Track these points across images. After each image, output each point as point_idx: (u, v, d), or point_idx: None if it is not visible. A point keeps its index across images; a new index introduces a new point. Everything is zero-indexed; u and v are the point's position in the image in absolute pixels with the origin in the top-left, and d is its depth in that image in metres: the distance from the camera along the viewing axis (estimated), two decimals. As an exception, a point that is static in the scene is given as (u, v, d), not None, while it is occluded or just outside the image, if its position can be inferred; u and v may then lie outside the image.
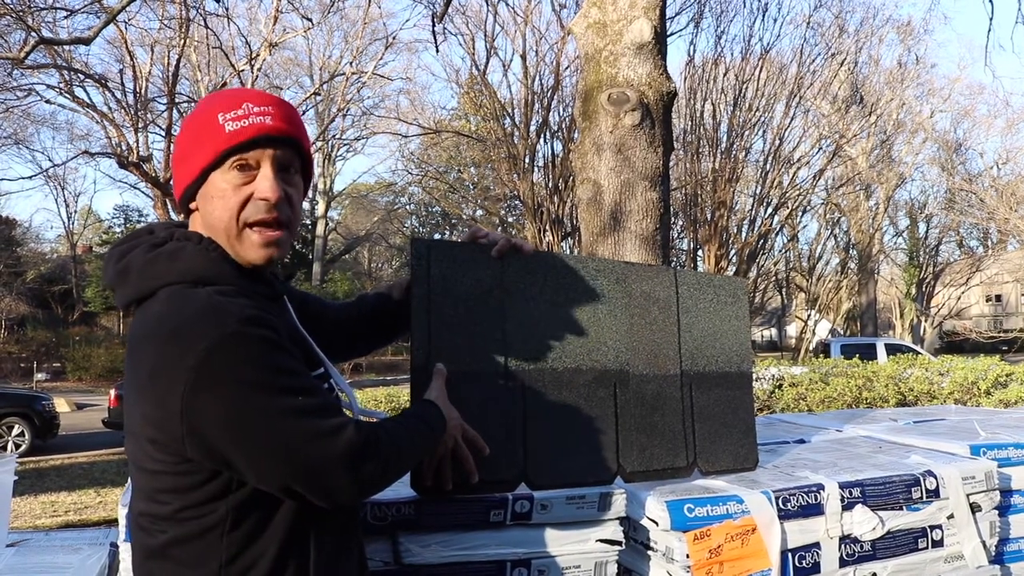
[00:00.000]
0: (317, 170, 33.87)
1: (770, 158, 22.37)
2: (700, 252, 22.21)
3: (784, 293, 40.23)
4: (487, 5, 22.56)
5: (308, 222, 41.19)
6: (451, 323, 2.01)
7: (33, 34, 13.16)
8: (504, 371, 2.08)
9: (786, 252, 33.18)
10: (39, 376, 29.02)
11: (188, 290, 1.40)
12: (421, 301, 1.98)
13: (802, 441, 3.05)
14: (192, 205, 1.53)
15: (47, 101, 24.41)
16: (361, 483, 1.42)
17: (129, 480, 2.08)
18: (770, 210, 23.13)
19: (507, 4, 22.45)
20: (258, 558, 1.40)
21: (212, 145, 1.45)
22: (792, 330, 45.04)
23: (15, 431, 13.89)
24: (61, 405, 19.14)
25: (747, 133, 21.56)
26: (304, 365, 1.47)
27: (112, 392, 14.81)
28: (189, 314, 1.34)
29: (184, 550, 1.39)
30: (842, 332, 35.76)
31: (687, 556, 2.05)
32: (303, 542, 1.45)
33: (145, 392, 1.35)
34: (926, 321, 36.09)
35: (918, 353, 14.72)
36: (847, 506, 2.30)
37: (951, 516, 2.48)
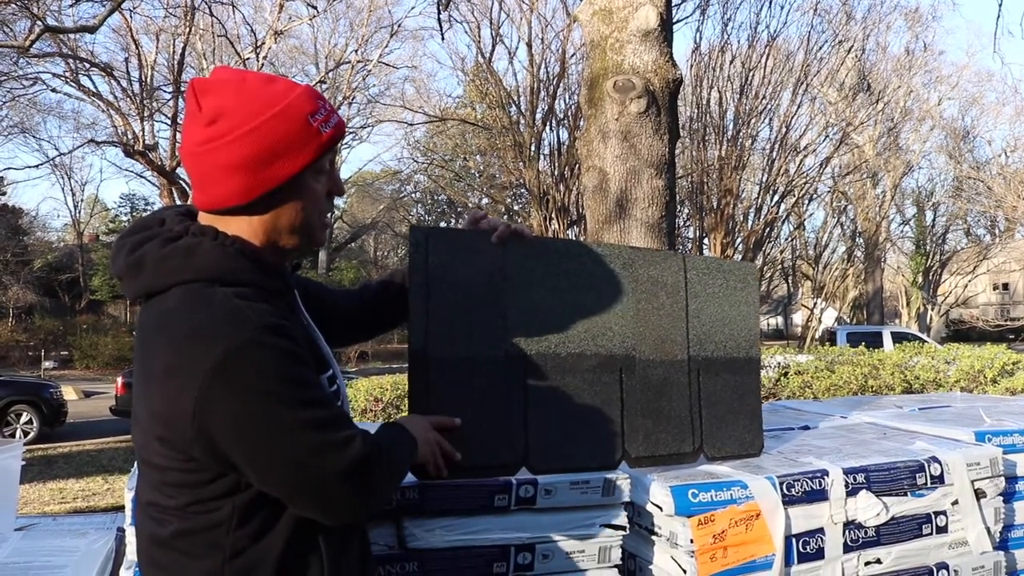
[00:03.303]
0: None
1: (776, 146, 22.26)
2: (706, 240, 22.14)
3: (790, 281, 40.18)
4: (492, -8, 22.47)
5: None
6: (449, 309, 2.03)
7: (38, 22, 13.17)
8: (505, 356, 2.08)
9: (792, 240, 33.10)
10: (47, 364, 29.13)
11: (205, 289, 1.39)
12: (419, 288, 2.00)
13: (807, 427, 3.05)
14: (246, 205, 1.47)
15: (53, 90, 24.49)
16: (364, 498, 1.45)
17: (135, 466, 2.09)
18: (776, 198, 23.01)
19: (512, -9, 22.36)
20: (263, 555, 1.41)
21: (309, 148, 1.46)
22: (798, 318, 44.93)
23: (23, 419, 13.95)
24: (69, 393, 19.21)
25: (753, 121, 21.44)
26: (317, 373, 1.49)
27: (119, 380, 14.83)
28: (208, 316, 1.34)
29: (189, 542, 1.40)
30: (848, 320, 35.70)
31: (691, 541, 2.06)
32: (309, 540, 1.46)
33: (157, 390, 1.35)
34: (932, 309, 36.01)
35: (924, 341, 14.68)
36: (851, 492, 2.31)
37: (955, 502, 2.48)
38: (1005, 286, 51.17)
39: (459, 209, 38.76)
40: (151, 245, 1.45)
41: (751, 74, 20.96)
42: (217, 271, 1.42)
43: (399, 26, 26.62)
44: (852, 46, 24.78)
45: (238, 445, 1.32)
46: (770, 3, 22.72)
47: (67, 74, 21.67)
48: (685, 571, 2.07)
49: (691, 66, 21.08)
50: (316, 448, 1.35)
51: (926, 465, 2.44)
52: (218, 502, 1.38)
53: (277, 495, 1.39)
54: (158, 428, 1.36)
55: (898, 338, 18.69)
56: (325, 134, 1.47)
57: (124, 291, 1.51)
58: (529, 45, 21.88)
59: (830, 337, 21.60)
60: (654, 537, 2.18)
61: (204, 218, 1.51)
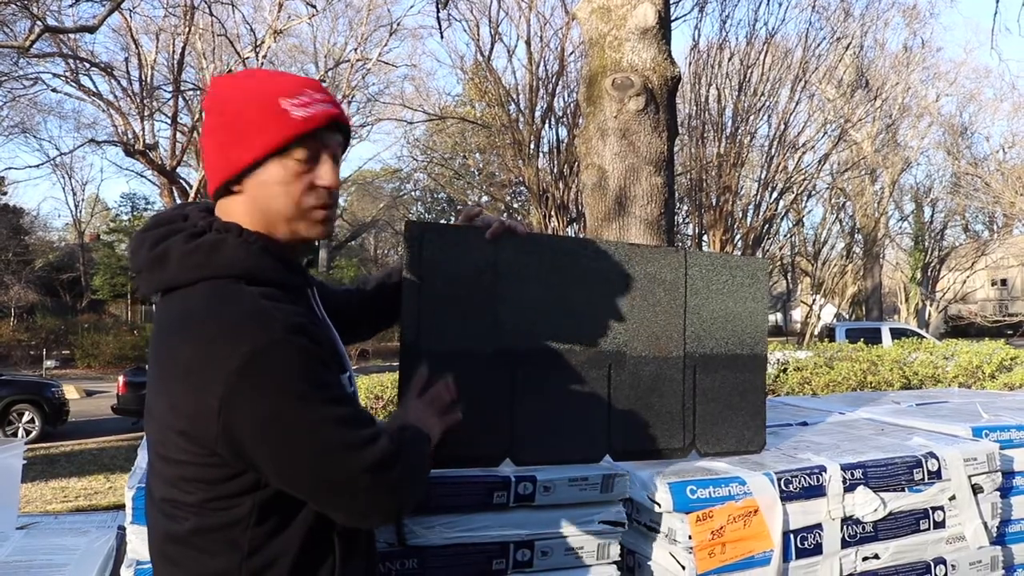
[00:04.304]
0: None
1: (775, 143, 22.25)
2: (705, 237, 22.14)
3: (789, 278, 40.16)
4: (491, -10, 22.46)
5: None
6: (442, 303, 2.05)
7: (38, 22, 13.17)
8: (494, 351, 2.10)
9: (791, 237, 33.08)
10: (48, 363, 29.09)
11: (232, 287, 1.40)
12: (412, 282, 2.02)
13: (805, 424, 3.06)
14: (235, 188, 1.49)
15: (53, 90, 24.48)
16: (392, 496, 1.44)
17: (136, 463, 2.10)
18: (775, 195, 23.00)
19: (511, -11, 22.35)
20: (279, 553, 1.41)
21: (279, 130, 1.43)
22: (797, 314, 44.91)
23: (25, 418, 13.97)
24: (70, 392, 19.21)
25: (752, 118, 21.43)
26: (336, 372, 1.49)
27: (121, 379, 14.82)
28: (234, 315, 1.35)
29: (207, 540, 1.40)
30: (847, 316, 35.69)
31: (689, 537, 2.07)
32: (323, 537, 1.46)
33: (181, 385, 1.35)
34: (931, 305, 36.03)
35: (923, 337, 14.70)
36: (849, 488, 2.32)
37: (953, 497, 2.49)
38: (1003, 282, 51.18)
39: (459, 207, 38.75)
40: (175, 240, 1.46)
41: (749, 71, 20.96)
42: (241, 268, 1.43)
43: (398, 24, 26.65)
44: (850, 43, 24.76)
45: (263, 444, 1.33)
46: (768, 0, 22.66)
47: (67, 74, 21.66)
48: (684, 567, 2.09)
49: (690, 64, 21.08)
50: (341, 447, 1.36)
51: (923, 461, 2.45)
52: (237, 499, 1.39)
53: (301, 496, 1.40)
54: (180, 423, 1.36)
55: (897, 334, 18.75)
56: (297, 118, 1.44)
57: (142, 285, 1.50)
58: (528, 43, 21.88)
59: (829, 333, 21.66)
60: (653, 533, 2.19)
61: (217, 209, 1.54)
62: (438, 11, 10.36)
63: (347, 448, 1.36)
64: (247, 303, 1.37)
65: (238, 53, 21.03)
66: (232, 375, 1.29)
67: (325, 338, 1.50)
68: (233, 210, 1.51)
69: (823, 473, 2.29)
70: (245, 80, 1.50)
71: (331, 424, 1.36)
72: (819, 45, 22.52)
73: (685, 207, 23.18)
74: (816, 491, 2.27)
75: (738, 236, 22.10)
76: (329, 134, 1.50)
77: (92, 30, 13.21)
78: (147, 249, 1.48)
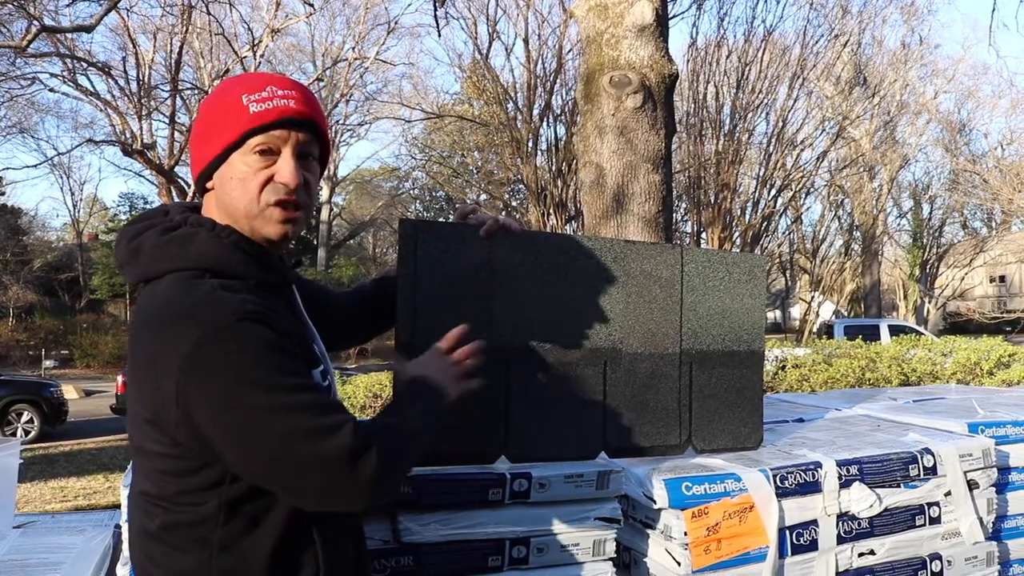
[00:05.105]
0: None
1: (773, 140, 22.28)
2: (704, 234, 22.16)
3: (788, 275, 40.22)
4: (489, -12, 22.47)
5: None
6: (437, 302, 2.05)
7: (35, 22, 13.16)
8: (490, 349, 2.10)
9: (790, 234, 33.08)
10: (47, 363, 29.08)
11: (195, 279, 1.41)
12: (407, 280, 2.02)
13: (801, 420, 3.06)
14: (208, 185, 1.54)
15: (51, 90, 24.42)
16: (367, 483, 1.36)
17: (132, 462, 2.10)
18: (774, 192, 23.04)
19: (509, -13, 22.36)
20: (254, 552, 1.41)
21: (236, 126, 1.46)
22: (796, 312, 45.01)
23: (24, 418, 13.97)
24: (69, 392, 19.20)
25: (750, 115, 21.46)
26: (303, 363, 1.47)
27: (119, 379, 14.83)
28: (190, 303, 1.36)
29: (177, 536, 1.41)
30: (846, 313, 35.70)
31: (685, 534, 2.07)
32: (303, 537, 1.45)
33: (144, 373, 1.38)
34: (930, 302, 36.02)
35: (921, 334, 14.71)
36: (845, 484, 2.32)
37: (948, 493, 2.50)
38: (1002, 278, 51.09)
39: (457, 205, 38.70)
40: (150, 233, 1.49)
41: (747, 69, 21.00)
42: (211, 261, 1.44)
43: (396, 23, 26.64)
44: (848, 40, 24.77)
45: (218, 430, 1.32)
46: (766, -3, 22.73)
47: (65, 74, 21.57)
48: (679, 563, 2.09)
49: (687, 61, 21.12)
50: (296, 433, 1.32)
51: (919, 456, 2.45)
52: (203, 495, 1.39)
53: (265, 485, 1.38)
54: (147, 412, 1.38)
55: (895, 331, 18.76)
56: (254, 112, 1.46)
57: (125, 277, 1.54)
58: (526, 41, 21.88)
59: (827, 330, 21.67)
60: (649, 530, 2.19)
61: (203, 206, 1.57)
62: (435, 9, 10.36)
63: (305, 435, 1.32)
64: (204, 292, 1.38)
65: (236, 52, 21.01)
66: (184, 361, 1.30)
67: (293, 329, 1.49)
68: (209, 207, 1.55)
69: (819, 469, 2.30)
70: (227, 82, 1.54)
71: (287, 410, 1.32)
72: (817, 42, 22.58)
73: (683, 205, 23.20)
74: (812, 487, 2.28)
75: (736, 233, 22.13)
76: (292, 130, 1.49)
77: (89, 30, 13.22)
78: (126, 242, 1.52)
